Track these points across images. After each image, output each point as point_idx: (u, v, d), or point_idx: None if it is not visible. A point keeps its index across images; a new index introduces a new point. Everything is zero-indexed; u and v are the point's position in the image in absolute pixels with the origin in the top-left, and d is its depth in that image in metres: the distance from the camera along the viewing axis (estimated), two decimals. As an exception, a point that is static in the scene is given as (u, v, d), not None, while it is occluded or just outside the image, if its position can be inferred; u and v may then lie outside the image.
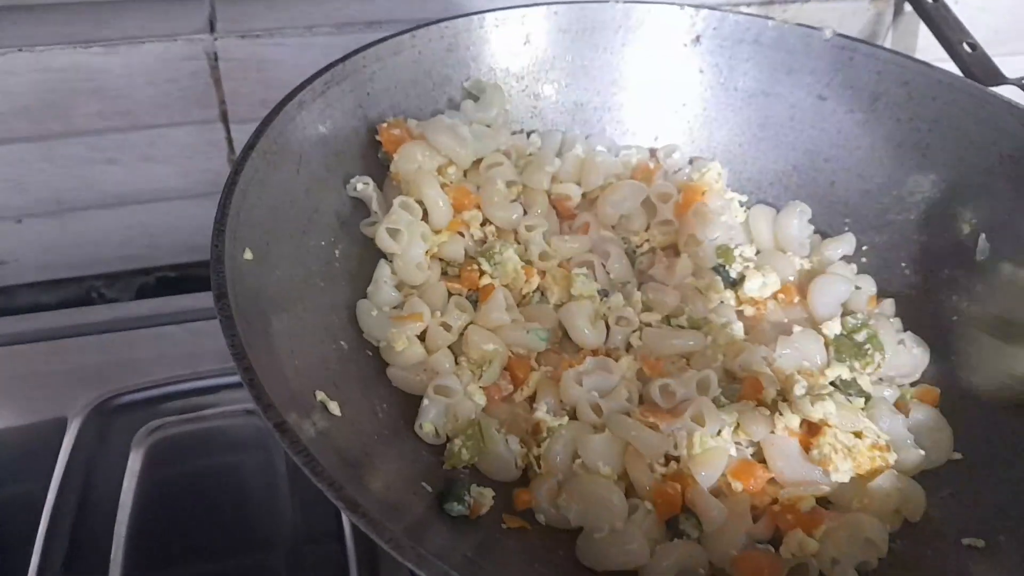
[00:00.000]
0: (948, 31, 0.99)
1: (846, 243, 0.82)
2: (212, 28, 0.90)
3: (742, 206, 0.86)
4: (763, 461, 0.64)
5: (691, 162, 0.89)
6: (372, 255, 0.73)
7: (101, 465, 0.78)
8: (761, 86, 0.88)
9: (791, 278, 0.80)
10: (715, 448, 0.63)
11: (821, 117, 0.86)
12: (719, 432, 0.63)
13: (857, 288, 0.78)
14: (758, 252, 0.84)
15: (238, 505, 0.76)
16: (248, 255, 0.57)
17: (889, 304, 0.79)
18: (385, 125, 0.75)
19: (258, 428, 0.83)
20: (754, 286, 0.78)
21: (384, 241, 0.71)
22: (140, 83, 0.90)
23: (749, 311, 0.78)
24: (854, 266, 0.81)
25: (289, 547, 0.73)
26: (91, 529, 0.73)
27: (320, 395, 0.57)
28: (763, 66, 0.87)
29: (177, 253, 1.06)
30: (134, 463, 0.78)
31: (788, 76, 0.87)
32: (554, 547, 0.61)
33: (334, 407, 0.57)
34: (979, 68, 0.93)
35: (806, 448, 0.65)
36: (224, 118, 0.95)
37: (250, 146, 0.61)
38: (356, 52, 0.74)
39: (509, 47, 0.84)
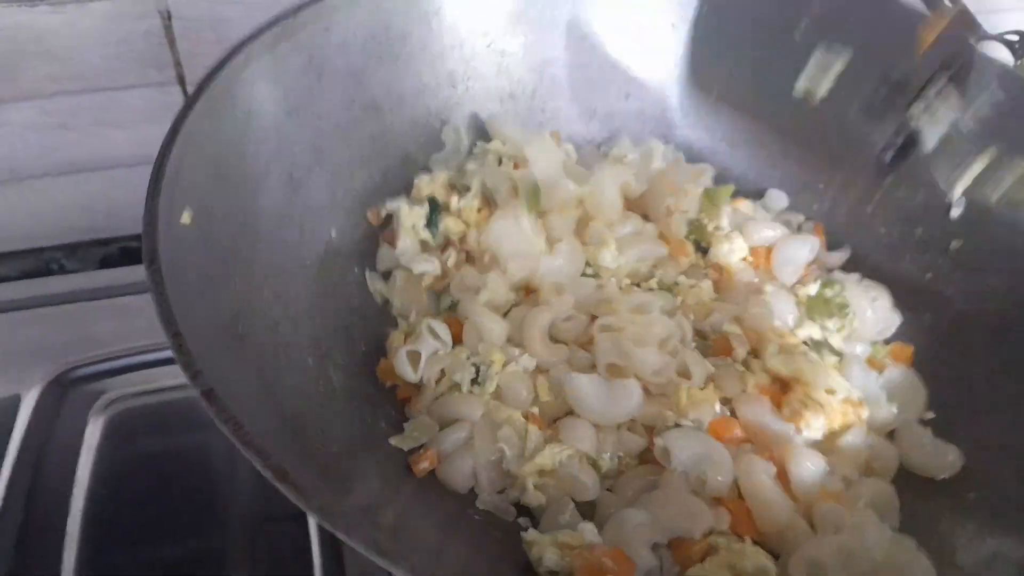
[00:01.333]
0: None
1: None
2: (164, -15, 0.87)
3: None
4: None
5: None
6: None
7: (57, 439, 0.75)
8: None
9: (762, 243, 0.77)
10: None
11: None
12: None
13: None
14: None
15: (198, 481, 0.74)
16: (186, 218, 0.54)
17: (862, 263, 0.77)
18: None
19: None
20: (720, 251, 0.76)
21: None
22: (90, 44, 0.86)
23: (714, 275, 0.76)
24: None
25: (250, 525, 0.71)
26: (45, 506, 0.70)
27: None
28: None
29: (140, 222, 1.02)
30: (91, 437, 0.76)
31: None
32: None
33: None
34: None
35: (778, 406, 0.64)
36: (180, 81, 0.92)
37: (190, 104, 0.58)
38: (310, 3, 0.71)
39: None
